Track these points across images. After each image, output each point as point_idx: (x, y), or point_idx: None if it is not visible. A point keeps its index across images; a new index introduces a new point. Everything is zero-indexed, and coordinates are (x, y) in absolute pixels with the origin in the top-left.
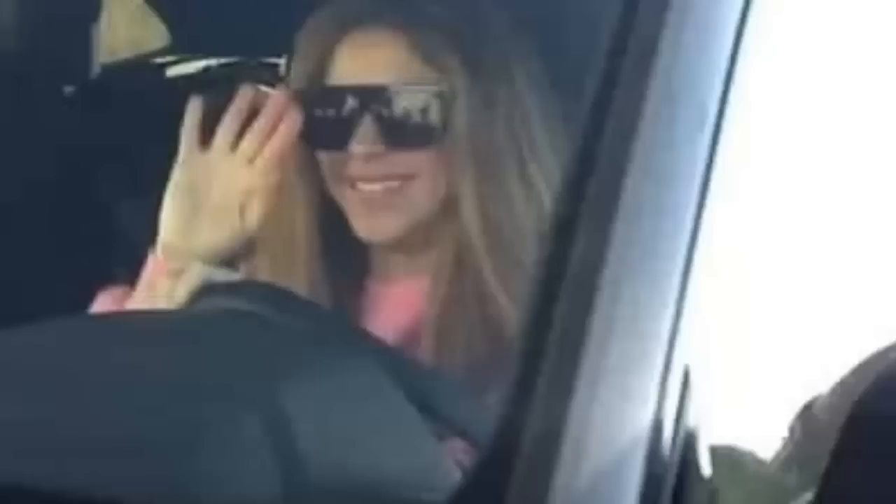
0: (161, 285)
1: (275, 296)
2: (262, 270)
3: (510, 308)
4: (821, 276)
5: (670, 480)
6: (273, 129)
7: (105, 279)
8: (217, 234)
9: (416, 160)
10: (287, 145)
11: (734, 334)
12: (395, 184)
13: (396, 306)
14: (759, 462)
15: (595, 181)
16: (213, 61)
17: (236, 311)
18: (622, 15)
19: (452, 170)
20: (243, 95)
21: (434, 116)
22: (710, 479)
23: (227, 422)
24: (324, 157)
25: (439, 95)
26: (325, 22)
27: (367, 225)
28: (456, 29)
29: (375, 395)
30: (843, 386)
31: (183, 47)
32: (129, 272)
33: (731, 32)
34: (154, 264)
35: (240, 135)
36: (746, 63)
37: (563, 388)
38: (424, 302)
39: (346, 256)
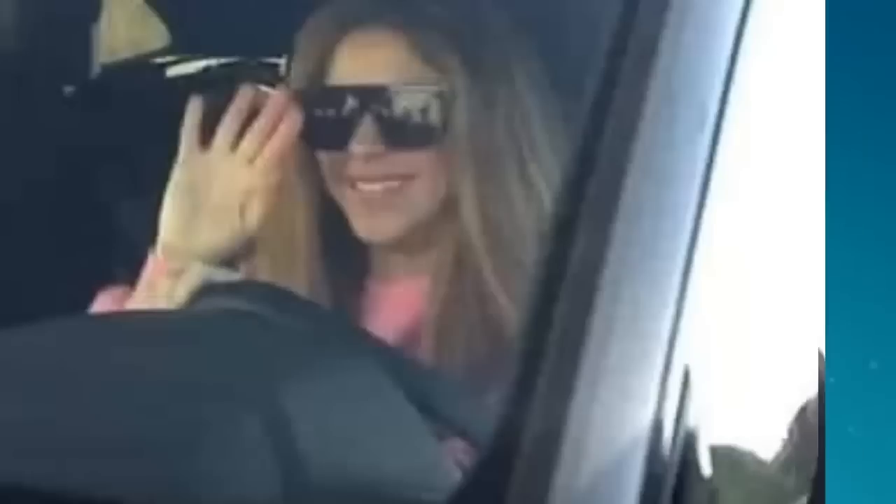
0: (161, 285)
1: (275, 296)
2: (262, 270)
3: (510, 308)
4: (820, 276)
5: (670, 480)
6: (273, 129)
7: (105, 279)
8: (217, 234)
9: (416, 160)
10: (287, 145)
11: (734, 334)
12: (395, 184)
13: (396, 306)
14: (759, 462)
15: (595, 181)
16: (213, 61)
17: (236, 311)
18: (622, 15)
19: (452, 170)
20: (243, 95)
21: (434, 116)
22: (710, 479)
23: (227, 422)
24: (324, 157)
25: (439, 95)
26: (325, 22)
27: (367, 225)
28: (456, 29)
29: (375, 395)
30: None
31: (183, 47)
32: (129, 272)
33: (731, 32)
34: (154, 264)
35: (240, 135)
36: (746, 63)
37: (563, 388)
38: (424, 302)
39: (346, 256)
